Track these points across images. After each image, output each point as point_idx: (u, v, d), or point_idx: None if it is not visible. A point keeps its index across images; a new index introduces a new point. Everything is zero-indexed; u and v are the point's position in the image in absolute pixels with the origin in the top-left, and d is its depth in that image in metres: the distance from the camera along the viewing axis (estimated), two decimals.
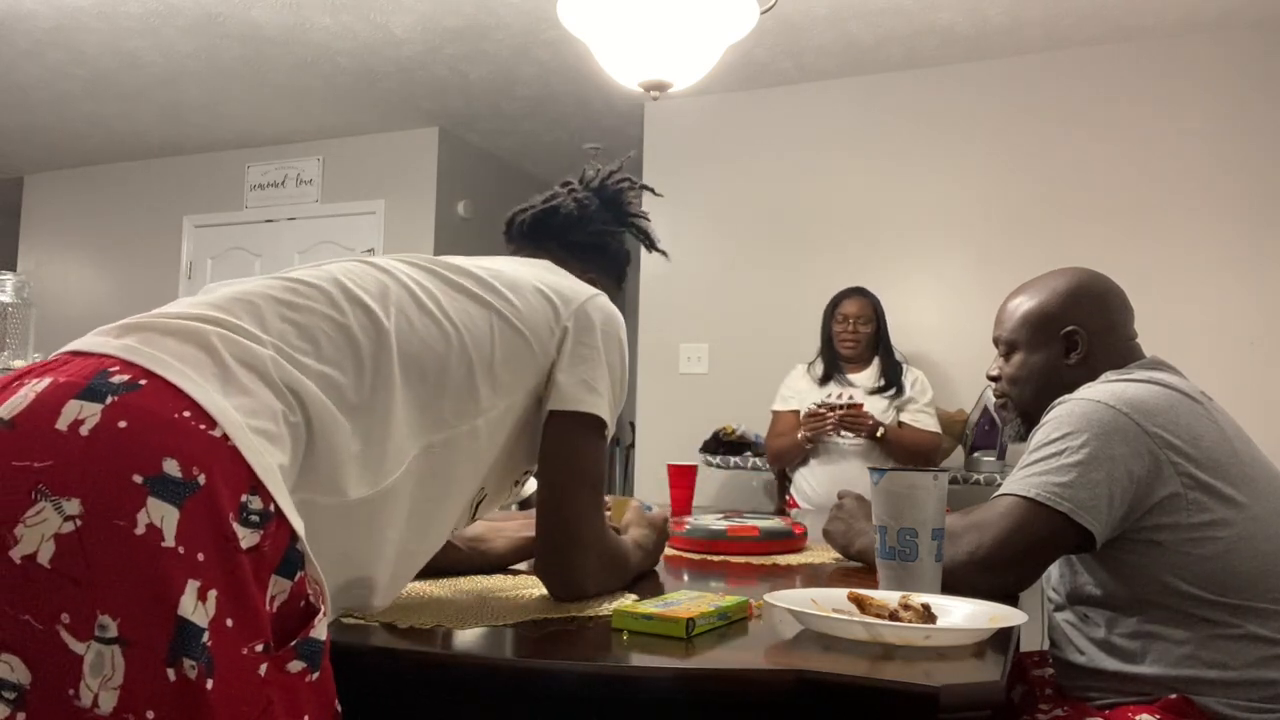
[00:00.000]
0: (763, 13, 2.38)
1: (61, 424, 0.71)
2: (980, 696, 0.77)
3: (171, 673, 0.67)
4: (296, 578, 0.77)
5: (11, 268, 5.43)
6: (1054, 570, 1.34)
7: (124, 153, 5.33)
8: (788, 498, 3.30)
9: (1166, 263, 3.51)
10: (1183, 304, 3.45)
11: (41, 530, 0.67)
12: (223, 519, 0.72)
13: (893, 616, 0.95)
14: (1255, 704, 1.14)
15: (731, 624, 1.00)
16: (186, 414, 0.75)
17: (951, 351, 3.72)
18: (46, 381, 0.75)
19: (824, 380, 3.21)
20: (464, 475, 1.01)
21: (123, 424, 0.72)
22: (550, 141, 4.95)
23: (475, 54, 3.86)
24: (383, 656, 0.90)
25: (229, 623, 0.70)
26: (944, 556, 1.16)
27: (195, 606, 0.68)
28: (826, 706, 0.81)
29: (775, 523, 1.71)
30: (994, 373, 1.50)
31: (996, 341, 1.49)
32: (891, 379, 3.17)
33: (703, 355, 4.17)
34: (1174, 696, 1.16)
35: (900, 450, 3.05)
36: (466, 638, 0.94)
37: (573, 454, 1.07)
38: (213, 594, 0.70)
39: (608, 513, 1.47)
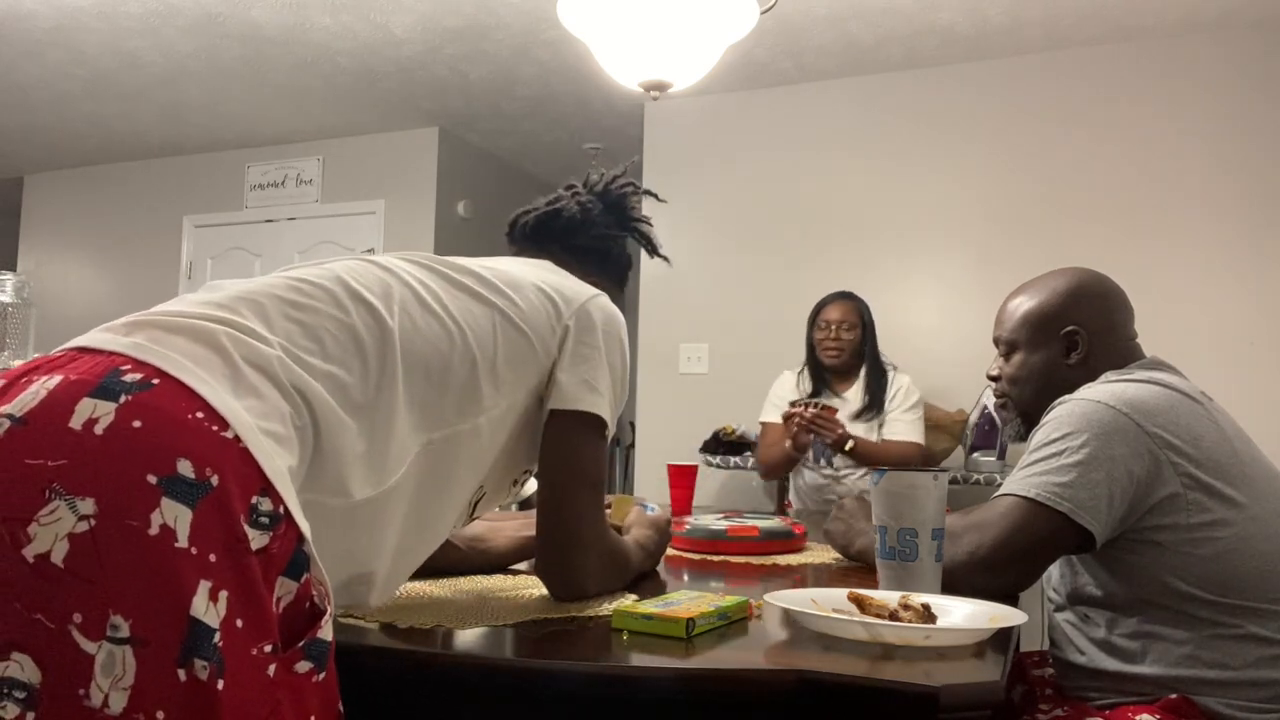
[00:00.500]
0: (763, 13, 2.38)
1: (75, 422, 0.71)
2: (980, 696, 0.77)
3: (182, 673, 0.67)
4: (302, 579, 0.77)
5: (11, 268, 5.43)
6: (1054, 570, 1.34)
7: (124, 153, 5.33)
8: (787, 500, 3.30)
9: (1166, 263, 3.51)
10: (1183, 304, 3.45)
11: (55, 529, 0.67)
12: (234, 520, 0.72)
13: (893, 616, 0.95)
14: (1255, 704, 1.14)
15: (731, 624, 1.00)
16: (199, 415, 0.75)
17: (951, 351, 3.72)
18: (57, 379, 0.75)
19: (813, 395, 3.00)
20: (464, 473, 1.01)
21: (137, 423, 0.72)
22: (550, 141, 4.95)
23: (475, 54, 3.85)
24: (383, 656, 0.90)
25: (239, 623, 0.70)
26: (944, 556, 1.16)
27: (207, 607, 0.69)
28: (826, 706, 0.81)
29: (775, 523, 1.71)
30: (994, 373, 1.50)
31: (996, 341, 1.49)
32: (875, 397, 2.94)
33: (703, 355, 4.17)
34: (1174, 697, 1.16)
35: (868, 459, 2.83)
36: (466, 638, 0.94)
37: (573, 453, 1.07)
38: (224, 595, 0.70)
39: (609, 510, 1.48)
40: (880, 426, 2.93)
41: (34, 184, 5.75)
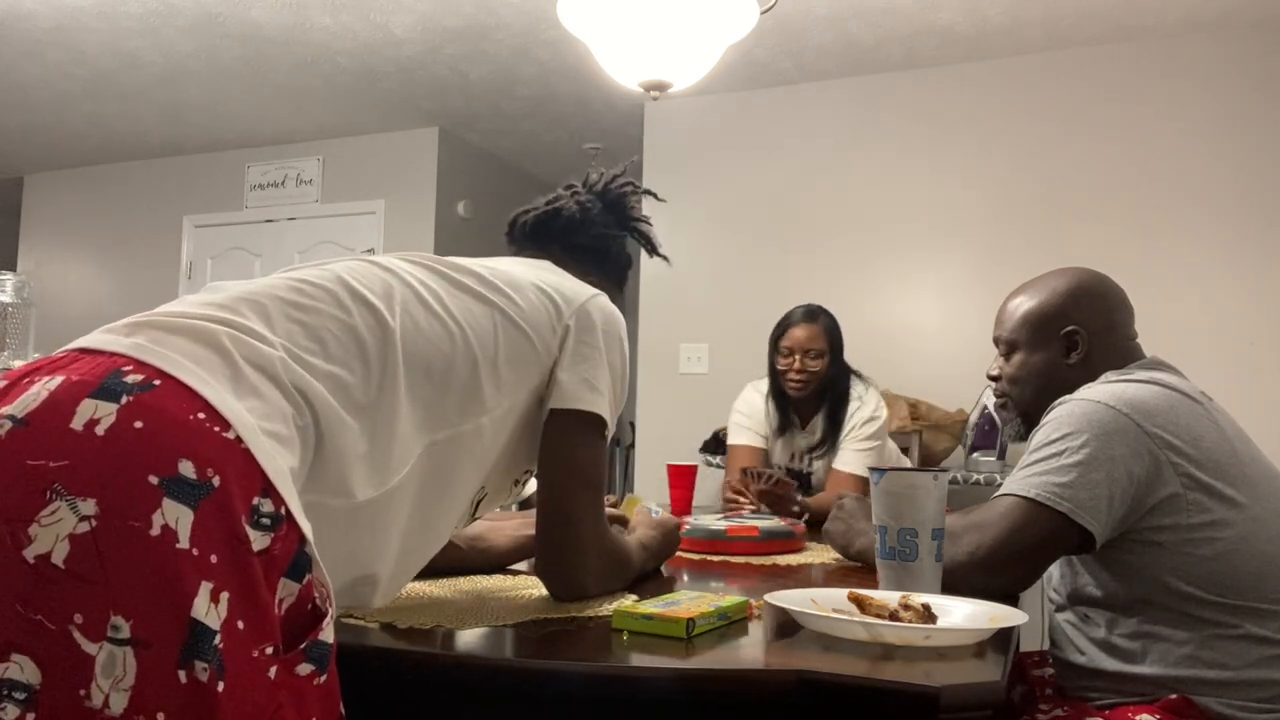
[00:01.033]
0: (763, 13, 2.38)
1: (77, 423, 0.71)
2: (981, 697, 0.77)
3: (183, 675, 0.67)
4: (304, 581, 0.77)
5: (11, 268, 5.43)
6: (1054, 570, 1.34)
7: (124, 153, 5.32)
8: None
9: (1166, 263, 3.51)
10: (1183, 304, 3.45)
11: (56, 530, 0.67)
12: (235, 521, 0.72)
13: (893, 616, 0.95)
14: (1255, 704, 1.14)
15: (731, 624, 1.00)
16: (201, 415, 0.75)
17: (951, 351, 3.72)
18: (58, 379, 0.75)
19: (780, 432, 2.58)
20: (467, 474, 1.01)
21: (139, 424, 0.72)
22: (550, 141, 4.95)
23: (475, 54, 3.85)
24: (383, 657, 0.90)
25: (240, 625, 0.70)
26: (944, 556, 1.16)
27: (208, 609, 0.68)
28: (826, 707, 0.81)
29: (775, 523, 1.71)
30: (994, 373, 1.50)
31: (996, 341, 1.49)
32: (830, 432, 2.52)
33: (703, 355, 4.17)
34: (1174, 697, 1.16)
35: (823, 514, 2.23)
36: (466, 638, 0.94)
37: (572, 453, 1.07)
38: (225, 596, 0.70)
39: (617, 510, 1.49)
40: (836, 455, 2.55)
41: (34, 184, 5.75)
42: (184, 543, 0.69)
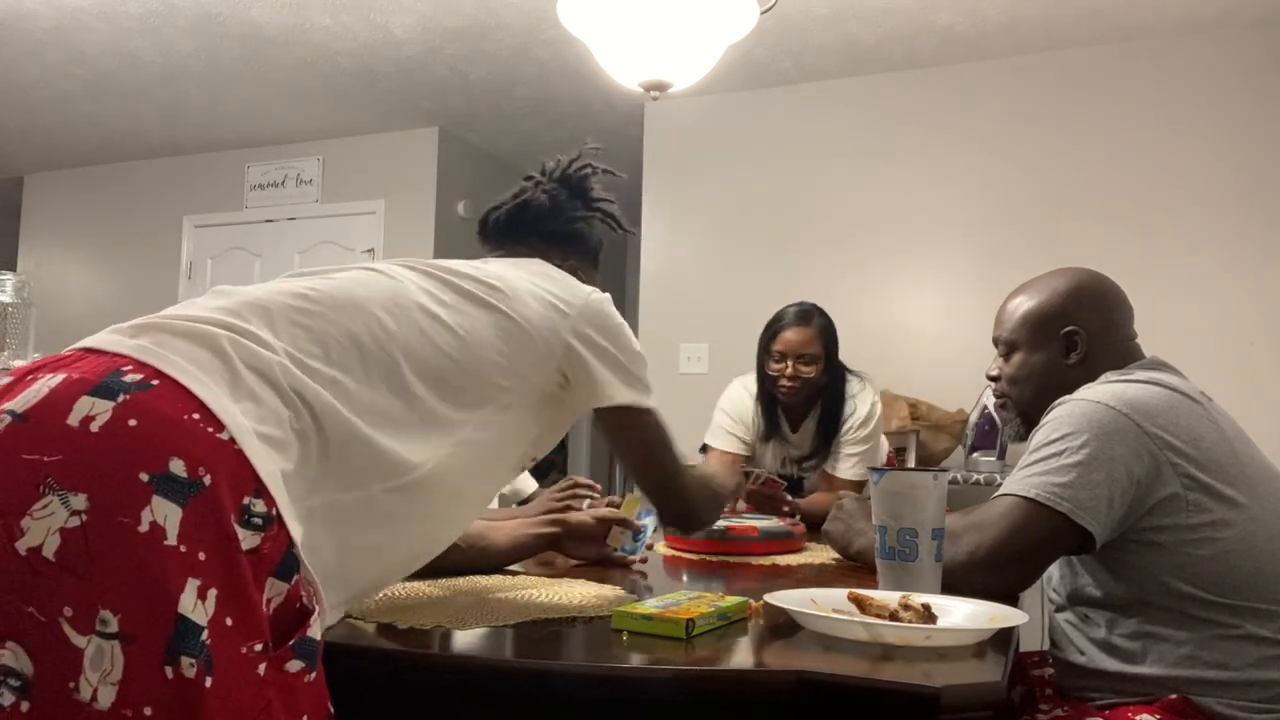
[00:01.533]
0: (763, 13, 2.38)
1: (73, 419, 0.72)
2: (981, 697, 0.77)
3: (169, 670, 0.67)
4: (293, 581, 0.78)
5: (11, 268, 5.42)
6: (1054, 570, 1.34)
7: (124, 153, 5.32)
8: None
9: (1166, 263, 3.50)
10: (1183, 304, 3.45)
11: (48, 523, 0.68)
12: (225, 520, 0.73)
13: (893, 617, 0.95)
14: (1255, 704, 1.14)
15: (731, 624, 1.00)
16: (195, 416, 0.76)
17: (951, 351, 3.72)
18: (60, 377, 0.76)
19: (766, 438, 2.47)
20: (477, 469, 1.03)
21: (133, 422, 0.73)
22: (550, 141, 4.94)
23: (475, 54, 3.85)
24: (383, 656, 0.90)
25: (228, 622, 0.71)
26: (944, 556, 1.16)
27: (195, 605, 0.69)
28: (826, 707, 0.81)
29: (775, 523, 1.71)
30: (994, 373, 1.50)
31: (996, 341, 1.49)
32: (825, 441, 2.41)
33: (703, 355, 4.17)
34: (1174, 697, 1.16)
35: (817, 518, 2.04)
36: (466, 638, 0.94)
37: (640, 441, 1.17)
38: (213, 593, 0.70)
39: (618, 510, 1.50)
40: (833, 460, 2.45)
41: (34, 184, 5.74)
42: (172, 539, 0.70)
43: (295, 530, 0.78)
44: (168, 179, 5.39)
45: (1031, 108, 3.75)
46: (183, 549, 0.70)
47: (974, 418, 3.30)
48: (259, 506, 0.76)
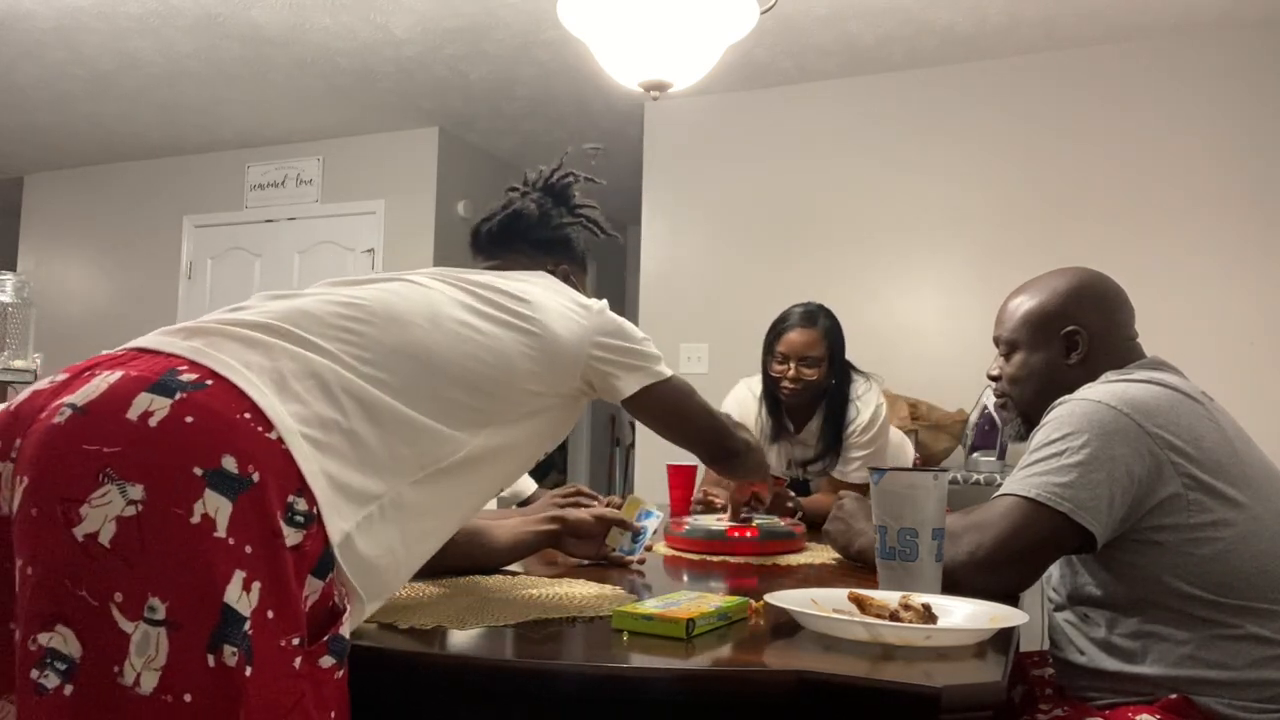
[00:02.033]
0: (763, 13, 2.38)
1: (132, 414, 0.76)
2: (981, 697, 0.77)
3: (212, 658, 0.70)
4: (327, 579, 0.81)
5: (11, 268, 5.42)
6: (1054, 570, 1.34)
7: (124, 153, 5.32)
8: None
9: (1167, 262, 3.50)
10: (1183, 304, 3.45)
11: (105, 511, 0.71)
12: (271, 516, 0.76)
13: (893, 617, 0.95)
14: (1255, 704, 1.14)
15: (731, 624, 1.00)
16: (247, 415, 0.79)
17: (951, 351, 3.72)
18: (118, 374, 0.80)
19: (770, 439, 2.43)
20: (498, 470, 1.06)
21: (189, 419, 0.76)
22: (550, 141, 4.95)
23: (475, 54, 3.85)
24: (383, 656, 0.90)
25: (270, 615, 0.74)
26: (944, 556, 1.16)
27: (240, 596, 0.72)
28: (826, 707, 0.81)
29: (775, 523, 1.71)
30: (994, 372, 1.50)
31: (997, 341, 1.49)
32: (830, 444, 2.37)
33: (703, 355, 4.17)
34: (1174, 697, 1.16)
35: (818, 518, 1.97)
36: (466, 638, 0.94)
37: (670, 406, 1.25)
38: (257, 585, 0.73)
39: (619, 511, 1.51)
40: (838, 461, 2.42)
41: (34, 184, 5.74)
42: (221, 532, 0.73)
43: (334, 529, 0.82)
44: (168, 179, 5.39)
45: (1031, 108, 3.75)
46: (231, 541, 0.73)
47: (974, 418, 3.30)
48: (301, 505, 0.79)
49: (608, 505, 1.67)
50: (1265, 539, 1.18)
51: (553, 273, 1.33)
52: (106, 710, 0.69)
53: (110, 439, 0.74)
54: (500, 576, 1.29)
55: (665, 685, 0.84)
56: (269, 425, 0.80)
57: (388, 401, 0.91)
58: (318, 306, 0.97)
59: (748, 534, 1.63)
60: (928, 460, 3.43)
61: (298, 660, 0.75)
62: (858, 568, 1.44)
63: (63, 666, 0.69)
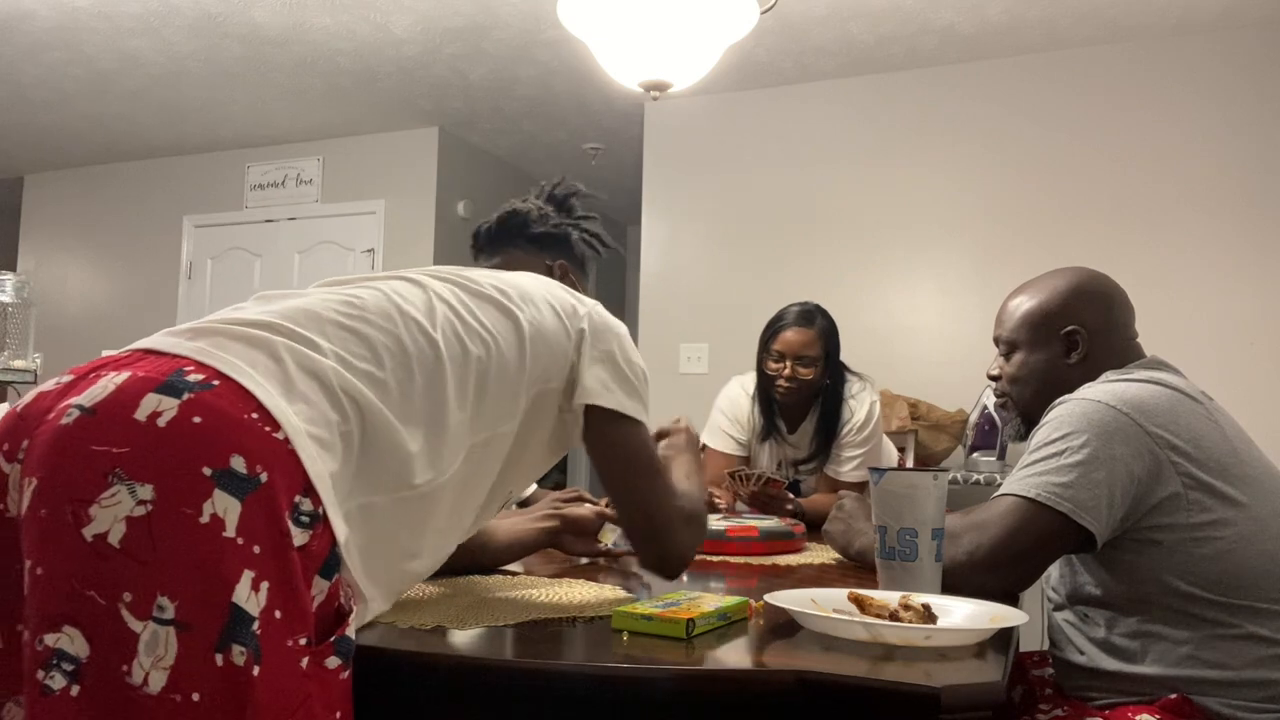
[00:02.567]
0: (763, 13, 2.38)
1: (140, 414, 0.76)
2: (981, 697, 0.77)
3: (220, 658, 0.70)
4: (333, 579, 0.81)
5: (11, 268, 5.42)
6: (1054, 570, 1.34)
7: (124, 153, 5.32)
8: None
9: (1166, 263, 3.50)
10: (1183, 303, 3.45)
11: (114, 511, 0.72)
12: (279, 516, 0.76)
13: (893, 617, 0.95)
14: (1255, 704, 1.14)
15: (731, 624, 1.00)
16: (254, 415, 0.79)
17: (951, 351, 3.72)
18: (125, 375, 0.80)
19: (763, 438, 2.43)
20: (499, 473, 1.06)
21: (197, 419, 0.76)
22: (550, 141, 4.95)
23: (475, 54, 3.85)
24: (383, 657, 0.90)
25: (278, 614, 0.74)
26: (944, 556, 1.16)
27: (249, 595, 0.72)
28: (826, 707, 0.81)
29: (775, 523, 1.71)
30: (994, 372, 1.50)
31: (997, 341, 1.49)
32: (824, 445, 2.38)
33: (703, 355, 4.17)
34: (1174, 696, 1.16)
35: (817, 518, 1.99)
36: (466, 638, 0.94)
37: (623, 451, 1.11)
38: (265, 585, 0.74)
39: (608, 512, 1.50)
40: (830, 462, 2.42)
41: (34, 184, 5.74)
42: (230, 532, 0.73)
43: (340, 530, 0.82)
44: (168, 179, 5.39)
45: (1031, 108, 3.75)
46: (240, 541, 0.73)
47: (974, 418, 3.30)
48: (307, 505, 0.79)
49: (605, 504, 1.67)
50: (1265, 539, 1.18)
51: (550, 269, 1.33)
52: (114, 710, 0.69)
53: (119, 440, 0.74)
54: (500, 576, 1.29)
55: (665, 685, 0.84)
56: (276, 425, 0.80)
57: (381, 404, 0.91)
58: (318, 306, 0.97)
59: (748, 534, 1.63)
60: (928, 460, 3.43)
61: (305, 660, 0.76)
62: (858, 568, 1.44)
63: (69, 667, 0.70)
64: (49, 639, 0.70)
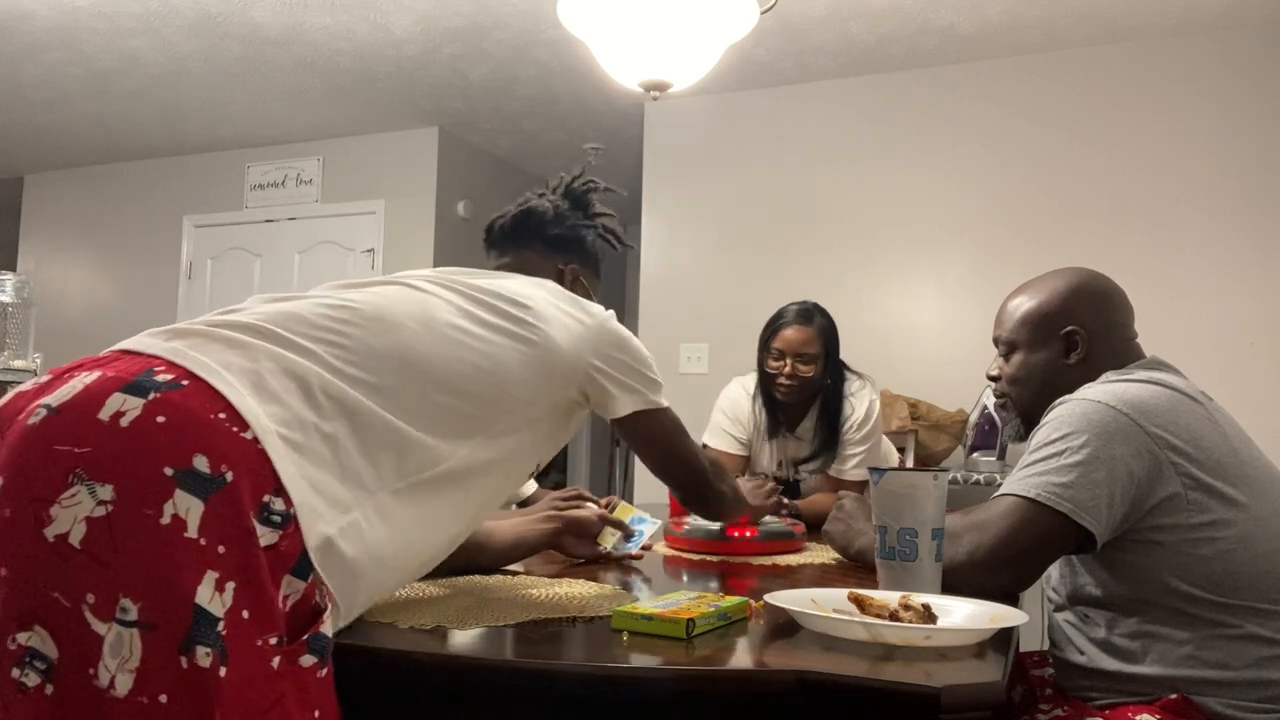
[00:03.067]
0: (763, 13, 2.38)
1: (104, 414, 0.75)
2: (981, 697, 0.77)
3: (185, 659, 0.70)
4: (309, 579, 0.80)
5: (11, 268, 5.42)
6: (1054, 570, 1.34)
7: (124, 153, 5.32)
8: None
9: (1166, 263, 3.50)
10: (1183, 304, 3.45)
11: (75, 512, 0.71)
12: (244, 515, 0.75)
13: (893, 617, 0.95)
14: (1255, 704, 1.14)
15: (731, 624, 1.00)
16: (221, 415, 0.79)
17: (951, 351, 3.72)
18: (95, 375, 0.80)
19: (764, 437, 2.44)
20: (493, 476, 1.05)
21: (161, 419, 0.76)
22: (550, 141, 4.95)
23: (475, 54, 3.85)
24: (383, 657, 0.90)
25: (245, 615, 0.73)
26: (944, 556, 1.16)
27: (212, 596, 0.71)
28: (826, 707, 0.81)
29: (775, 523, 1.71)
30: (994, 373, 1.50)
31: (996, 341, 1.49)
32: (826, 442, 2.38)
33: (703, 355, 4.17)
34: (1174, 696, 1.16)
35: (816, 518, 1.99)
36: (466, 638, 0.94)
37: (660, 436, 1.21)
38: (230, 585, 0.73)
39: (611, 514, 1.51)
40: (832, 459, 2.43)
41: (34, 184, 5.74)
42: (192, 532, 0.72)
43: (311, 532, 0.81)
44: (168, 179, 5.39)
45: (1031, 108, 3.75)
46: (202, 542, 0.72)
47: (974, 418, 3.30)
48: (278, 505, 0.78)
49: (605, 505, 1.67)
50: (1265, 539, 1.18)
51: (562, 272, 1.32)
52: (85, 711, 0.69)
53: (81, 439, 0.74)
54: (500, 576, 1.29)
55: (665, 685, 0.84)
56: (244, 425, 0.79)
57: (368, 406, 0.90)
58: (307, 309, 0.96)
59: (748, 534, 1.63)
60: (928, 460, 3.43)
61: (276, 660, 0.75)
62: (858, 568, 1.44)
63: (42, 666, 0.69)
64: (21, 637, 0.70)
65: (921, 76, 3.92)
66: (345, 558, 0.85)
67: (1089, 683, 1.25)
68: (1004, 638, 0.95)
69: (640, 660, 0.88)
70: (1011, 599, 1.17)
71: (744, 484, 1.56)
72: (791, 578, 1.40)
